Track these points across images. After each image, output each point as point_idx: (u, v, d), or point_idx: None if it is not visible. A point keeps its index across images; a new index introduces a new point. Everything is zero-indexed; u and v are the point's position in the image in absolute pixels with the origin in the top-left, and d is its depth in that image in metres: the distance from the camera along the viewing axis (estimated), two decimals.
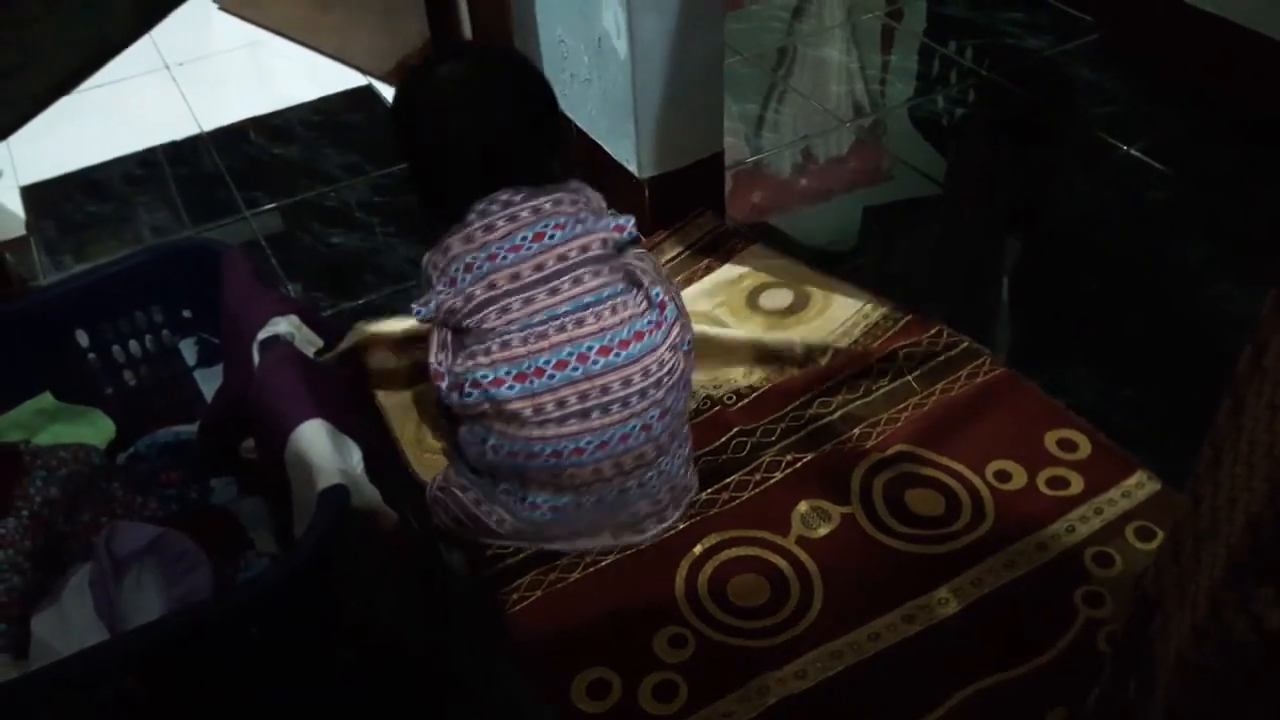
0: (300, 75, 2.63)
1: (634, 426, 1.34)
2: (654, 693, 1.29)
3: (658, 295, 1.37)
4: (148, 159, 2.38)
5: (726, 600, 1.38)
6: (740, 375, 1.69)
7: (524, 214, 1.36)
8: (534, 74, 1.45)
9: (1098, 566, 1.37)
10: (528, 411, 1.32)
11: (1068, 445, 1.53)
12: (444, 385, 1.37)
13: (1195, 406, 1.01)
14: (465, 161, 1.38)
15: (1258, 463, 0.72)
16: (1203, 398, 0.91)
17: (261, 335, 1.39)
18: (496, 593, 1.41)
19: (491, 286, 1.33)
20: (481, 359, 1.33)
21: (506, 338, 1.32)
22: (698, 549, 1.44)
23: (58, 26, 1.75)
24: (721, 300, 1.84)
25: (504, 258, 1.34)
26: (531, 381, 1.31)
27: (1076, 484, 1.47)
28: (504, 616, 1.39)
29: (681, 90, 1.84)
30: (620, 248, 1.40)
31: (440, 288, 1.37)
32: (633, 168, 1.90)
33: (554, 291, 1.34)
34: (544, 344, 1.32)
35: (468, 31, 2.28)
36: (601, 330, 1.32)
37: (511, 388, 1.31)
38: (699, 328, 1.56)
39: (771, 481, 1.52)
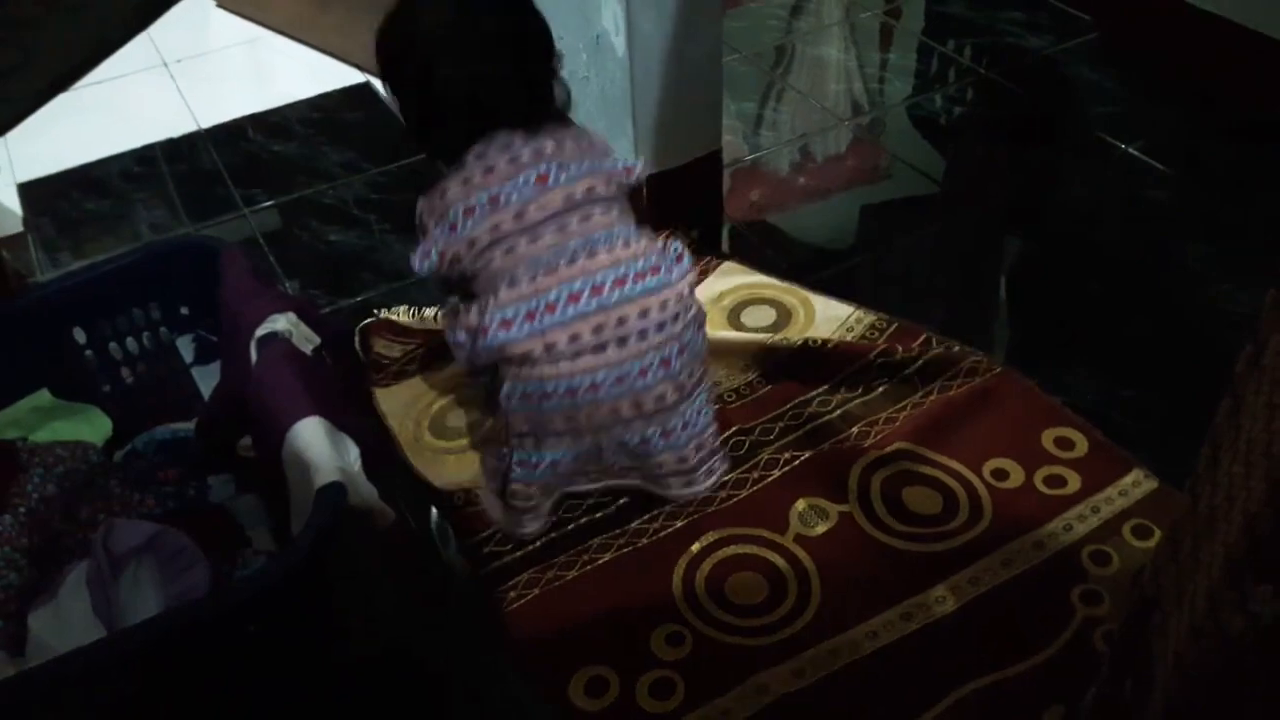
0: (298, 73, 2.63)
1: (652, 361, 1.31)
2: (651, 690, 1.29)
3: (676, 248, 1.35)
4: (145, 156, 2.38)
5: (724, 598, 1.38)
6: (738, 373, 1.69)
7: (524, 156, 1.31)
8: (526, 8, 1.36)
9: (1095, 565, 1.37)
10: (538, 350, 1.28)
11: (1065, 444, 1.53)
12: (464, 353, 1.34)
13: (1194, 406, 1.01)
14: (455, 106, 1.33)
15: (1256, 461, 0.72)
16: (1202, 397, 0.91)
17: (259, 332, 1.38)
18: (494, 591, 1.41)
19: (496, 229, 1.29)
20: (490, 304, 1.29)
21: (514, 276, 1.29)
22: (695, 547, 1.44)
23: (55, 24, 1.74)
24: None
25: (506, 199, 1.29)
26: (541, 319, 1.27)
27: (1074, 482, 1.47)
28: (502, 615, 1.39)
29: (680, 88, 1.84)
30: (629, 192, 1.36)
31: (438, 233, 1.33)
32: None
33: (562, 229, 1.29)
34: (552, 279, 1.28)
35: None
36: (615, 261, 1.29)
37: (521, 328, 1.28)
38: None
39: (769, 479, 1.52)
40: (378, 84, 2.52)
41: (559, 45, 1.48)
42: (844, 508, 1.47)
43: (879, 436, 1.56)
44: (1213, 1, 2.18)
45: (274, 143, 2.39)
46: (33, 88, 1.72)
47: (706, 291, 1.85)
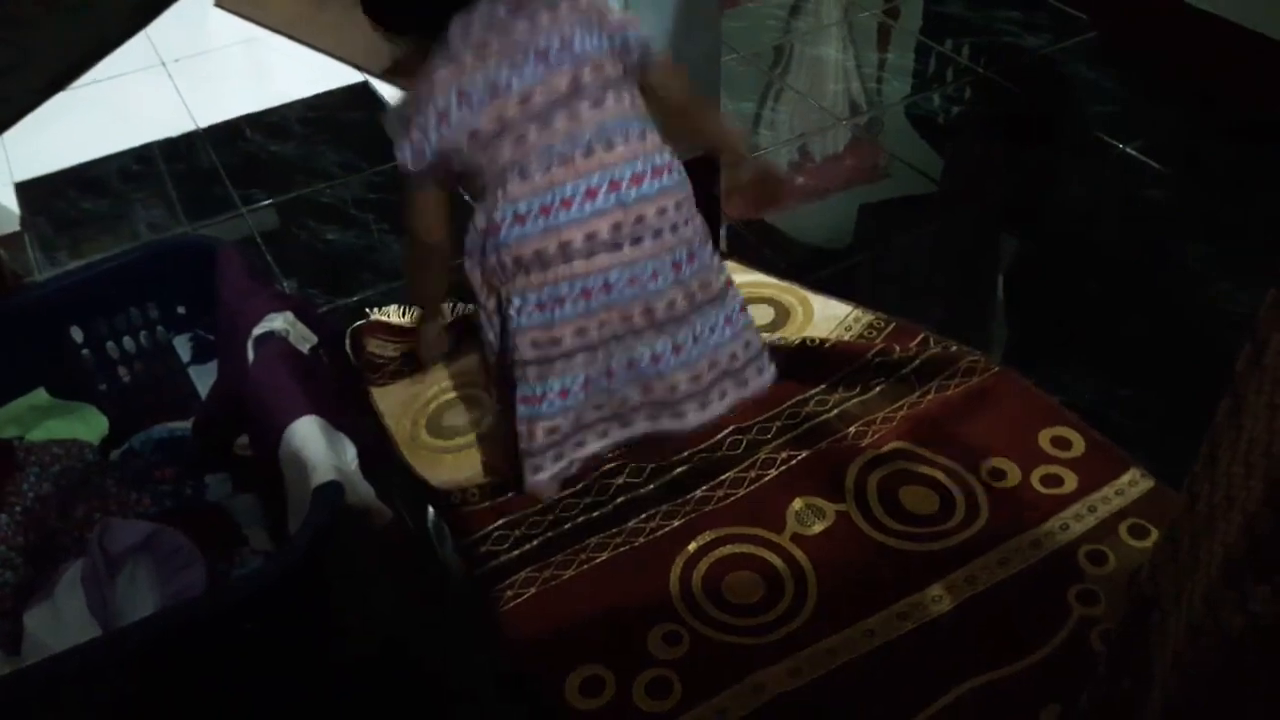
0: (297, 72, 2.63)
1: (665, 263, 1.26)
2: (648, 690, 1.28)
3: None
4: (143, 155, 2.38)
5: (721, 597, 1.38)
6: None
7: (518, 28, 1.21)
8: None
9: (1091, 564, 1.37)
10: (553, 249, 1.22)
11: (1062, 443, 1.52)
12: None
13: (1193, 406, 1.01)
14: None
15: (1256, 461, 0.72)
16: (1200, 397, 0.91)
17: (256, 332, 1.38)
18: (491, 590, 1.41)
19: (500, 118, 1.20)
20: (500, 199, 1.22)
21: (524, 167, 1.21)
22: (692, 546, 1.44)
23: (53, 23, 1.74)
24: None
25: (508, 84, 1.19)
26: (556, 214, 1.21)
27: (1070, 482, 1.47)
28: (498, 614, 1.38)
29: None
30: (635, 68, 1.26)
31: (429, 125, 1.21)
32: None
33: (574, 115, 1.21)
34: (567, 171, 1.20)
35: None
36: (633, 155, 1.22)
37: (535, 223, 1.21)
38: None
39: (766, 479, 1.52)
40: (376, 84, 2.54)
41: None
42: (841, 507, 1.47)
43: (876, 436, 1.56)
44: (1210, 1, 2.18)
45: (272, 142, 2.39)
46: (30, 86, 1.72)
47: None
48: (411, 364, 1.75)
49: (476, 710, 1.34)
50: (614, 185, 1.21)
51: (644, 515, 1.48)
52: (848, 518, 1.46)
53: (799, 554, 1.42)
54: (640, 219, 1.23)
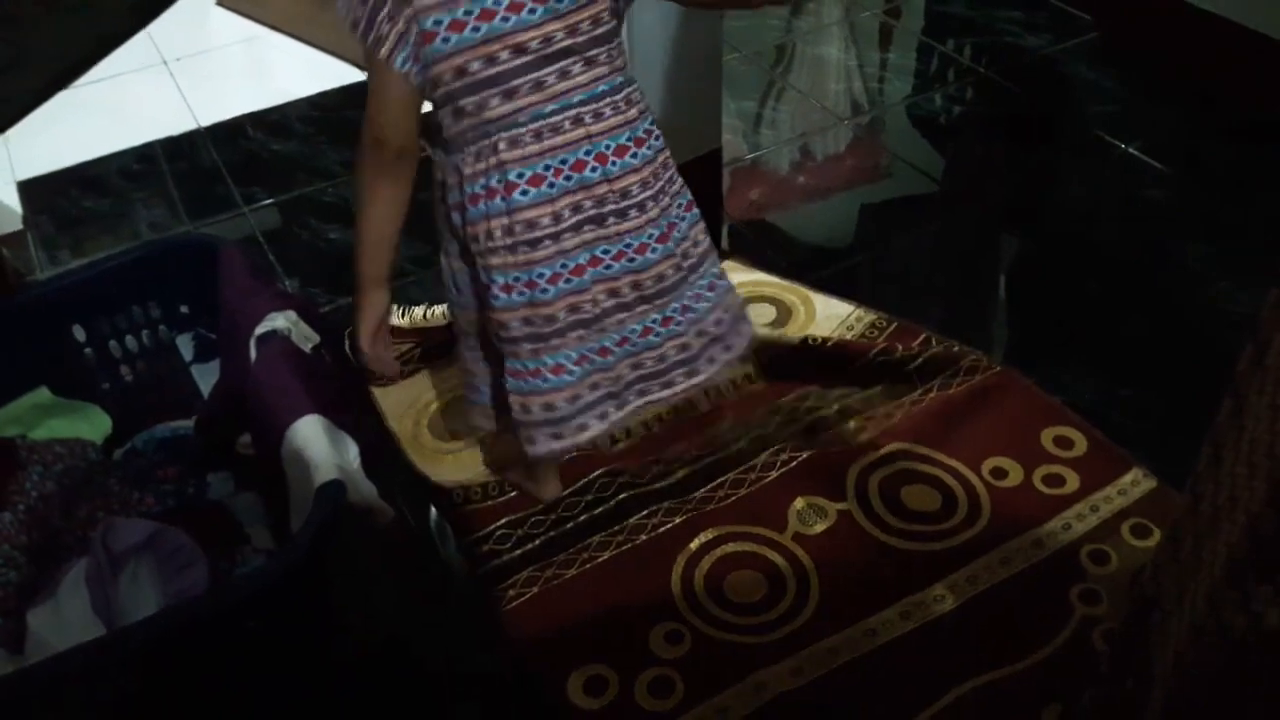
0: (298, 70, 2.63)
1: (651, 236, 1.24)
2: (650, 689, 1.29)
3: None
4: (145, 154, 2.38)
5: (723, 596, 1.38)
6: (736, 369, 1.69)
7: None
8: None
9: (1094, 564, 1.37)
10: (546, 220, 1.18)
11: (1064, 443, 1.53)
12: (444, 218, 1.22)
13: (1193, 405, 1.01)
14: None
15: (1259, 461, 0.72)
16: (1201, 397, 0.91)
17: (259, 330, 1.38)
18: (493, 589, 1.41)
19: (491, 60, 1.13)
20: (491, 161, 1.17)
21: (516, 133, 1.16)
22: (694, 544, 1.44)
23: (54, 22, 1.74)
24: None
25: (503, 20, 1.11)
26: (550, 185, 1.18)
27: (1072, 481, 1.47)
28: (500, 613, 1.39)
29: (679, 87, 1.84)
30: (622, 12, 1.21)
31: (406, 34, 1.11)
32: None
33: (564, 74, 1.15)
34: (558, 140, 1.17)
35: None
36: (621, 125, 1.19)
37: (525, 192, 1.17)
38: None
39: (768, 478, 1.52)
40: None
41: None
42: (842, 506, 1.47)
43: (878, 435, 1.56)
44: (1212, 1, 2.18)
45: (274, 141, 2.39)
46: (31, 85, 1.72)
47: None
48: (411, 365, 1.75)
49: (479, 709, 1.34)
50: (600, 158, 1.19)
51: (646, 513, 1.49)
52: (850, 517, 1.46)
53: (801, 553, 1.42)
54: (625, 192, 1.21)
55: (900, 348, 1.67)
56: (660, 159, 1.25)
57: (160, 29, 2.70)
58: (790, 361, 1.68)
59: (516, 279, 1.22)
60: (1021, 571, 1.37)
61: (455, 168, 1.21)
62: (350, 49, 2.61)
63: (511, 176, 1.17)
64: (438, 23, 1.10)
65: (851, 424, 1.58)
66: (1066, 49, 2.48)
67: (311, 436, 1.22)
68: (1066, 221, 2.03)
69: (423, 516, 1.55)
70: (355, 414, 1.38)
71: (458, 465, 1.58)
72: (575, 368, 1.28)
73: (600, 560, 1.44)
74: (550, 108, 1.16)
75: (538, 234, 1.19)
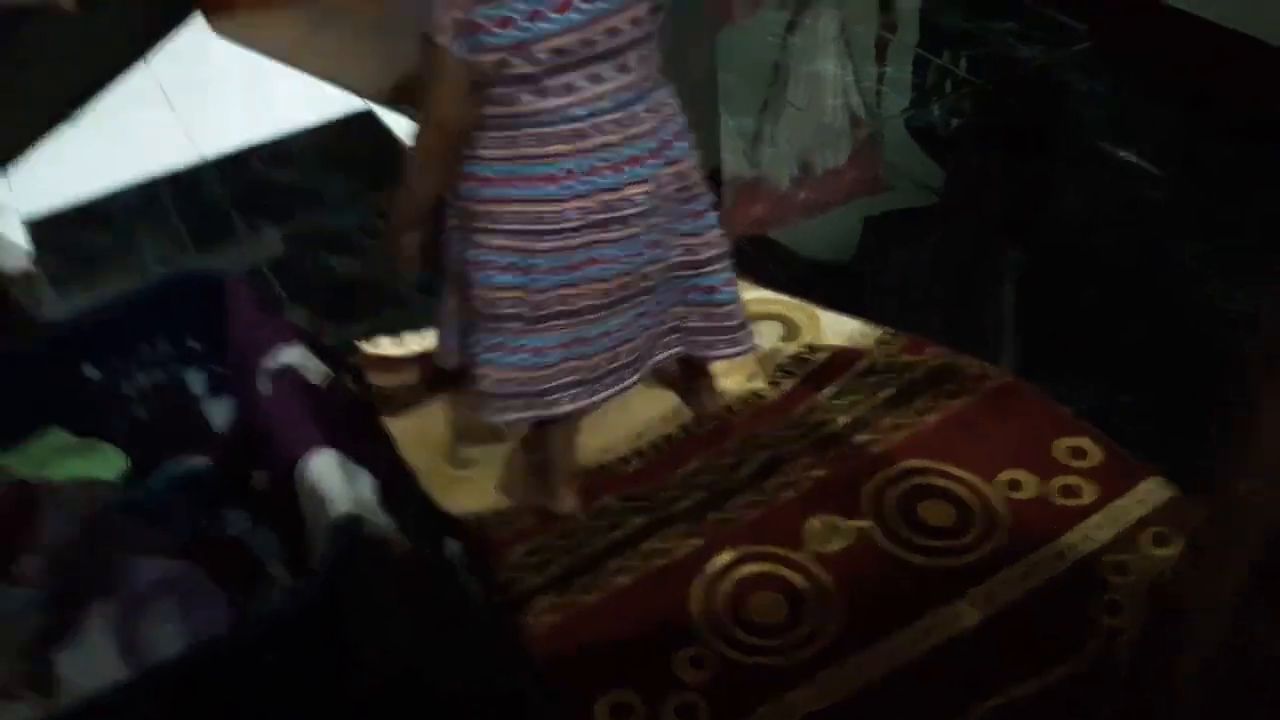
0: (301, 101, 2.64)
1: (650, 241, 1.29)
2: (676, 714, 1.28)
3: None
4: (149, 187, 2.39)
5: (745, 619, 1.38)
6: (741, 383, 1.69)
7: None
8: None
9: (1115, 575, 1.36)
10: (554, 217, 1.23)
11: (1078, 453, 1.52)
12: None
13: (1193, 406, 1.02)
14: None
15: (1277, 469, 0.72)
16: (1201, 397, 0.91)
17: (269, 365, 1.39)
18: (512, 617, 1.41)
19: (530, 58, 1.16)
20: (510, 150, 1.22)
21: (542, 131, 1.20)
22: (713, 566, 1.44)
23: (51, 56, 1.75)
24: None
25: (546, 19, 1.15)
26: (564, 186, 1.22)
27: (1089, 491, 1.47)
28: (521, 640, 1.38)
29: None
30: (659, 8, 1.25)
31: (460, 15, 1.15)
32: None
33: (595, 79, 1.20)
34: (579, 144, 1.21)
35: None
36: (639, 136, 1.23)
37: (539, 189, 1.23)
38: None
39: (784, 497, 1.52)
40: (379, 111, 2.54)
41: None
42: (860, 523, 1.47)
43: (890, 450, 1.56)
44: (1203, 6, 2.18)
45: (278, 172, 2.40)
46: (31, 119, 1.73)
47: None
48: (418, 394, 1.75)
49: None
50: (615, 167, 1.23)
51: (662, 535, 1.49)
52: (867, 534, 1.46)
53: (820, 572, 1.42)
54: (632, 200, 1.25)
55: (907, 359, 1.67)
56: (674, 169, 1.28)
57: (162, 62, 2.72)
58: (797, 370, 1.68)
59: (514, 264, 1.27)
60: (1042, 585, 1.36)
61: (477, 142, 1.24)
62: (345, 75, 2.62)
63: (529, 171, 1.21)
64: (489, 16, 1.14)
65: (861, 437, 1.58)
66: (1061, 58, 2.49)
67: (325, 471, 1.22)
68: (1066, 229, 2.03)
69: (440, 547, 1.54)
70: (369, 445, 1.38)
71: (473, 493, 1.58)
72: (553, 353, 1.32)
73: (620, 585, 1.43)
74: (577, 111, 1.20)
75: (543, 228, 1.24)
